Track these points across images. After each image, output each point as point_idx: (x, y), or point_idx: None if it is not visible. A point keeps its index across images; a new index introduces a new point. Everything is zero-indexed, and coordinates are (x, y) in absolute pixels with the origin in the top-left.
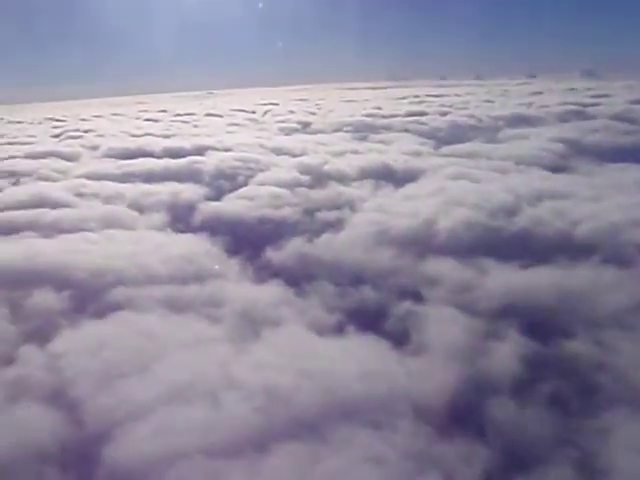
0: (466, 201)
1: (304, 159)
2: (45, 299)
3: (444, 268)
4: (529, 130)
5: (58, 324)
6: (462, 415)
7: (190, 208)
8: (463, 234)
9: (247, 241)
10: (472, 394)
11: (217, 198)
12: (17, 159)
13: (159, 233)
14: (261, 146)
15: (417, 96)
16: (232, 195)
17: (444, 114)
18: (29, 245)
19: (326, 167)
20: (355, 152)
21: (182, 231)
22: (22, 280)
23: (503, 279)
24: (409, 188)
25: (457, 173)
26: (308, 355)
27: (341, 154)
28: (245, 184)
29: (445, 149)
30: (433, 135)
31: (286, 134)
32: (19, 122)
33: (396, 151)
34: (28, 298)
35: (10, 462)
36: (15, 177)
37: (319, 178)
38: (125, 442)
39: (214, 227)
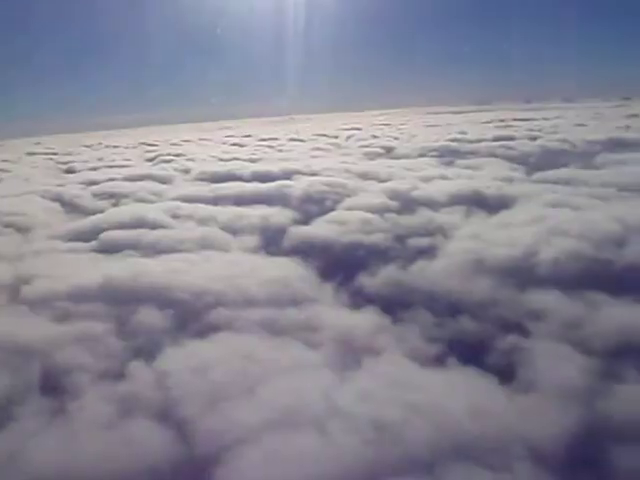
0: (569, 230)
1: (392, 184)
2: (149, 317)
3: (550, 301)
4: (629, 155)
5: (162, 342)
6: (584, 461)
7: (280, 231)
8: (568, 265)
9: (339, 266)
10: (594, 439)
11: (306, 222)
12: (116, 181)
13: (253, 256)
14: (347, 171)
15: (502, 120)
16: (321, 219)
17: (534, 138)
18: (133, 264)
19: (415, 192)
20: (443, 177)
21: (274, 254)
22: (128, 297)
23: (617, 314)
24: (504, 215)
25: (555, 200)
26: (413, 387)
27: (429, 179)
28: (333, 208)
29: (538, 175)
30: (523, 161)
31: (370, 159)
32: (115, 146)
33: (486, 177)
34: (133, 315)
35: (125, 475)
36: (115, 198)
37: (408, 204)
38: (236, 467)
39: (305, 251)
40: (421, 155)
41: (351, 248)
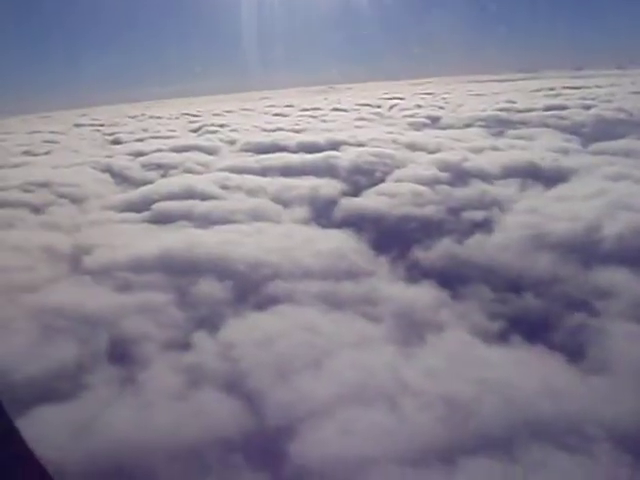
0: (632, 204)
1: (441, 155)
2: (209, 288)
3: (618, 279)
4: None
5: (224, 313)
6: None
7: (330, 203)
8: (635, 242)
9: (392, 239)
10: None
11: (355, 194)
12: (163, 152)
13: (305, 227)
14: (394, 141)
15: (552, 88)
16: (371, 191)
17: (587, 107)
18: (188, 235)
19: (466, 164)
20: (494, 148)
21: (325, 226)
22: (185, 268)
23: None
24: (562, 189)
25: (616, 173)
26: (481, 364)
27: (480, 150)
28: (382, 180)
29: (595, 146)
30: (577, 131)
31: (416, 129)
32: (158, 117)
33: (540, 148)
34: (193, 286)
35: (198, 446)
36: (163, 169)
37: (460, 175)
38: (311, 440)
39: (356, 223)
40: (468, 125)
41: (404, 221)
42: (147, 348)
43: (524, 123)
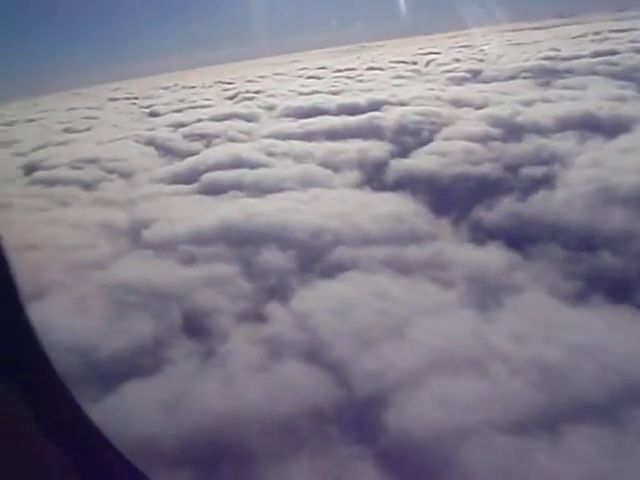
0: None
1: (490, 110)
2: (273, 258)
3: None
4: None
5: (292, 283)
6: None
7: (380, 165)
8: None
9: (450, 200)
10: None
11: (404, 155)
12: (203, 122)
13: (359, 191)
14: (437, 98)
15: (597, 33)
16: (420, 151)
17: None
18: (243, 205)
19: (518, 118)
20: (545, 100)
21: (379, 189)
22: (247, 239)
23: None
24: (624, 139)
25: None
26: (568, 327)
27: (530, 103)
28: (431, 139)
29: None
30: (631, 77)
31: (457, 84)
32: (192, 87)
33: (594, 97)
34: (257, 256)
35: (290, 418)
36: (206, 139)
37: (513, 130)
38: (408, 410)
39: (410, 185)
40: (512, 77)
41: (459, 180)
42: (222, 321)
43: (572, 72)
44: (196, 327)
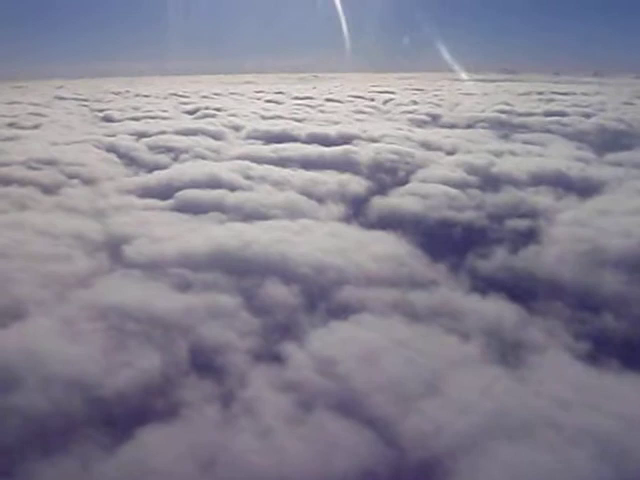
0: None
1: (464, 157)
2: (277, 291)
3: None
4: None
5: (302, 321)
6: None
7: (362, 201)
8: None
9: (441, 244)
10: None
11: (383, 192)
12: (167, 134)
13: (349, 227)
14: (407, 138)
15: (541, 92)
16: (401, 190)
17: (587, 116)
18: (233, 229)
19: (493, 169)
20: (512, 153)
21: (366, 226)
22: (246, 268)
23: None
24: (598, 201)
25: None
26: (608, 394)
27: (498, 154)
28: (407, 180)
29: (611, 157)
30: (584, 139)
31: (417, 126)
32: (146, 96)
33: (558, 155)
34: (259, 288)
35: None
36: (173, 153)
37: (489, 180)
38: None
39: (397, 224)
40: (469, 126)
41: (447, 225)
42: (234, 359)
43: (526, 127)
44: (206, 364)
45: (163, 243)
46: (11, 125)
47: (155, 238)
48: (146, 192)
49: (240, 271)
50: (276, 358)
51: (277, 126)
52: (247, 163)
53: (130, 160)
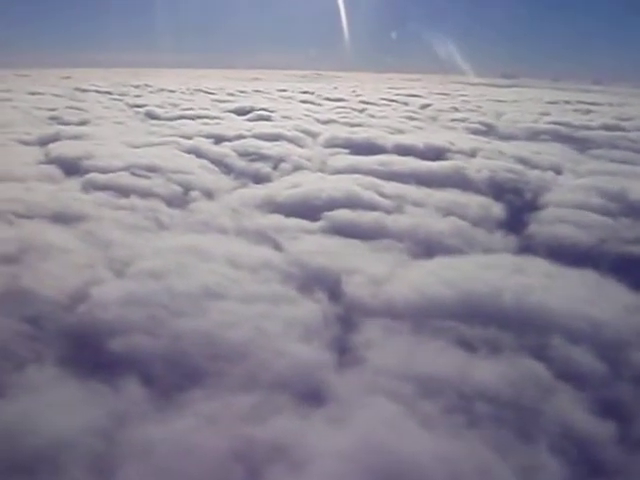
0: None
1: (592, 180)
2: (579, 356)
3: None
4: None
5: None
6: None
7: (510, 226)
8: None
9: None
10: None
11: (519, 217)
12: (247, 138)
13: (534, 261)
14: (500, 152)
15: (568, 102)
16: (539, 216)
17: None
18: (449, 268)
19: (631, 195)
20: (625, 175)
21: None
22: (518, 322)
23: None
24: None
25: None
26: None
27: (613, 174)
28: (535, 203)
29: None
30: None
31: (477, 134)
32: (172, 91)
33: None
34: (552, 350)
35: None
36: (271, 161)
37: (632, 208)
38: None
39: (567, 257)
40: (529, 138)
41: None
42: None
43: (593, 142)
44: None
45: (382, 281)
46: (53, 119)
47: (374, 278)
48: (279, 209)
49: (515, 326)
50: None
51: (355, 134)
52: (372, 180)
53: (226, 168)
